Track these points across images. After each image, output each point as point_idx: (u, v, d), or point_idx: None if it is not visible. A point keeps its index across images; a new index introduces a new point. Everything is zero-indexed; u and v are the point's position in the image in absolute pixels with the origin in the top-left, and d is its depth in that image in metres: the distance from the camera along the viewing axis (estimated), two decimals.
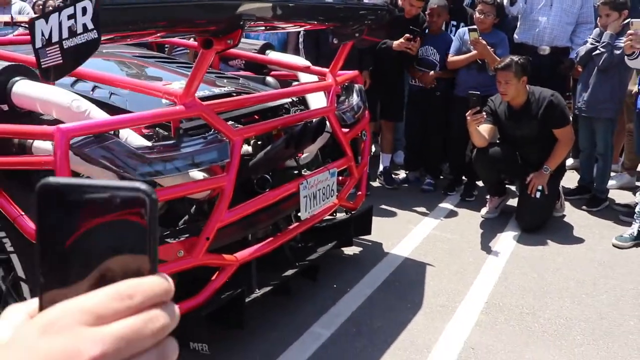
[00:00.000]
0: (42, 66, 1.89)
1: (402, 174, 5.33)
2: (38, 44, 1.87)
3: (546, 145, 4.10)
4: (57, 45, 1.82)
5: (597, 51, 4.30)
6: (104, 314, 0.38)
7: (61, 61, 1.84)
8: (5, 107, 2.41)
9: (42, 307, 0.40)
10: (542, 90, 4.08)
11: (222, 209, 2.35)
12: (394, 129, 5.24)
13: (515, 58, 4.01)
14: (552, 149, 4.08)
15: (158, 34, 2.30)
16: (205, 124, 2.49)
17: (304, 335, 2.79)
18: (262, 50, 3.83)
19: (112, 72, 3.11)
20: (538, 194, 4.04)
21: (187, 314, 2.36)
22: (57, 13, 1.80)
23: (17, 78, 2.41)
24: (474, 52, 4.54)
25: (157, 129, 2.56)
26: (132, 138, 2.25)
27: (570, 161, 5.26)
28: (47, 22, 1.83)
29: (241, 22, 2.10)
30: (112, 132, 2.15)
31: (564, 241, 3.94)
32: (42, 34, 1.86)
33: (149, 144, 2.26)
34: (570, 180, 4.90)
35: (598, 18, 4.47)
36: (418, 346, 2.71)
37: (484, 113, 3.96)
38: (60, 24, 1.79)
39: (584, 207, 4.56)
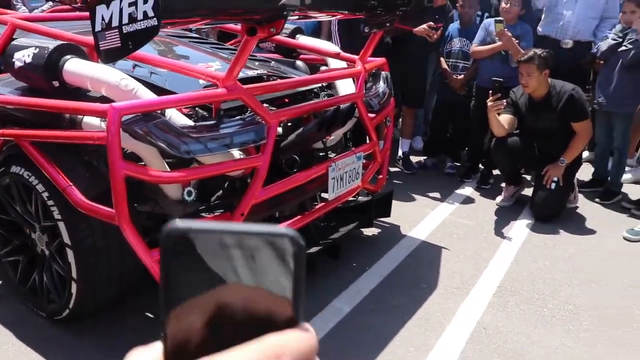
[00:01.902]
0: (100, 48, 2.04)
1: (420, 160, 5.46)
2: (98, 27, 2.01)
3: (564, 138, 4.20)
4: (117, 30, 1.96)
5: (623, 47, 4.35)
6: None
7: (119, 45, 1.98)
8: (56, 84, 2.56)
9: (167, 355, 0.35)
10: (563, 84, 4.17)
11: (257, 187, 2.50)
12: (415, 115, 5.36)
13: (538, 51, 4.10)
14: (569, 141, 4.19)
15: (203, 21, 2.42)
16: (242, 106, 2.63)
17: (325, 309, 2.95)
18: (293, 34, 3.95)
19: (149, 52, 3.24)
20: (553, 185, 4.16)
21: None
22: (118, 0, 1.94)
23: (68, 56, 2.56)
24: (499, 43, 4.64)
25: (196, 108, 2.70)
26: (175, 117, 2.40)
27: (585, 154, 5.35)
28: (107, 7, 1.97)
29: (284, 12, 2.23)
30: (159, 111, 2.30)
31: (576, 232, 4.07)
32: (103, 18, 2.00)
33: (192, 123, 2.41)
34: (585, 172, 5.00)
35: (621, 14, 4.53)
36: (433, 324, 2.86)
37: (504, 101, 4.06)
38: (121, 10, 1.93)
39: (597, 199, 4.67)
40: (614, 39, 4.44)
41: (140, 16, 1.88)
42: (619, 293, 3.24)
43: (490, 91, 3.98)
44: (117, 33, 1.96)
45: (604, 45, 4.51)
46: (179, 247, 0.35)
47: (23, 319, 2.79)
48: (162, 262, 0.36)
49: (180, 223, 0.35)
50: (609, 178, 4.77)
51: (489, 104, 3.98)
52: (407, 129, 5.29)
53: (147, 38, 1.91)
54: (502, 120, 4.15)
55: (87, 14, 3.96)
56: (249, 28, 2.27)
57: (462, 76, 5.02)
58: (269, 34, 2.29)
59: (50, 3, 5.97)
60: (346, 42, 4.57)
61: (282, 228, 0.36)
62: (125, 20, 1.92)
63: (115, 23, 1.95)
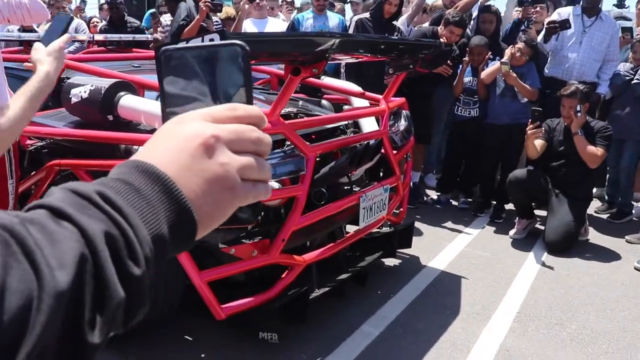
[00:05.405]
0: None
1: (434, 196, 5.67)
2: None
3: (582, 166, 4.44)
4: None
5: (635, 80, 4.92)
6: (218, 116, 0.53)
7: None
8: (110, 118, 2.78)
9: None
10: (599, 121, 4.62)
11: (297, 214, 2.69)
12: (423, 151, 5.58)
13: (580, 86, 4.43)
14: (586, 171, 4.45)
15: (253, 61, 2.65)
16: (282, 139, 2.85)
17: (355, 333, 3.10)
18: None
19: None
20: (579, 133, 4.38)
21: (260, 306, 2.69)
22: (184, 43, 2.17)
23: (122, 93, 2.78)
24: (497, 63, 4.92)
25: None
26: None
27: (595, 191, 5.58)
28: None
29: (326, 55, 2.46)
30: None
31: (589, 263, 4.24)
32: None
33: None
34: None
35: (632, 54, 5.17)
36: (458, 346, 3.01)
37: (542, 128, 4.39)
38: None
39: (608, 218, 5.11)
40: (626, 75, 5.02)
41: None
42: (634, 318, 3.39)
43: (530, 119, 4.31)
44: None
45: (618, 81, 5.08)
46: (168, 60, 0.56)
47: None
48: (159, 71, 0.57)
49: (169, 46, 0.56)
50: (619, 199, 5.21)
51: (529, 131, 4.29)
52: (417, 163, 5.45)
53: None
54: (537, 145, 4.46)
55: (121, 54, 4.22)
56: (294, 68, 2.50)
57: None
58: (311, 74, 2.52)
59: (77, 44, 6.27)
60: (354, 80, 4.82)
61: (233, 39, 0.56)
62: None
63: None
